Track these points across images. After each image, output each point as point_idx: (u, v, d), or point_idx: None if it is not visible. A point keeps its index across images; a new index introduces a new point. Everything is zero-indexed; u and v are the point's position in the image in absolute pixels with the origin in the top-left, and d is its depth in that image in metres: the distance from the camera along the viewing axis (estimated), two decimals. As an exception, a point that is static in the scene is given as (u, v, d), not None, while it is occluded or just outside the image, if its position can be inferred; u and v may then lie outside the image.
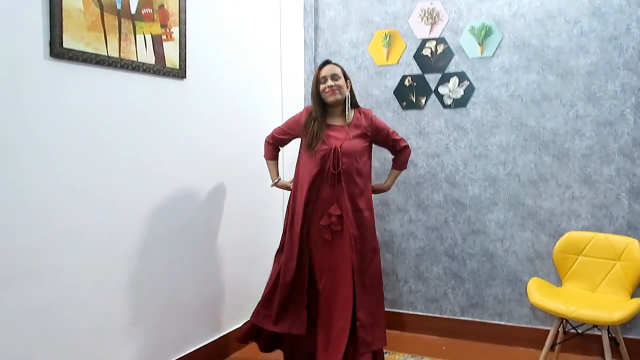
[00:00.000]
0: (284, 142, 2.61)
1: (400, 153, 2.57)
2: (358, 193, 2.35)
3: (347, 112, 2.42)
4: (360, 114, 2.45)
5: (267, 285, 2.49)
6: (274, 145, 2.60)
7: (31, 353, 1.77)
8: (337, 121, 2.42)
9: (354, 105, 2.49)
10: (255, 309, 2.47)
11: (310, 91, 2.46)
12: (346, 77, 2.43)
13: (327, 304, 2.34)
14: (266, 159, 2.63)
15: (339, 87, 2.36)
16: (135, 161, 2.17)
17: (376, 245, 2.42)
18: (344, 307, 2.30)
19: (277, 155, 2.64)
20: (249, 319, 2.51)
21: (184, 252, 2.46)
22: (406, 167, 2.66)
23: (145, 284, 2.24)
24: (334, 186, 2.33)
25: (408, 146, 2.57)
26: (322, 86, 2.37)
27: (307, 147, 2.37)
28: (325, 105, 2.41)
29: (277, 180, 2.61)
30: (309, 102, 3.16)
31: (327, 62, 2.43)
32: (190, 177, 2.49)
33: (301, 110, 2.55)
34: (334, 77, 2.36)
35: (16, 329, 1.72)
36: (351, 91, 2.46)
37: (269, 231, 3.09)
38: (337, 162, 2.31)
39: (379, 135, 2.47)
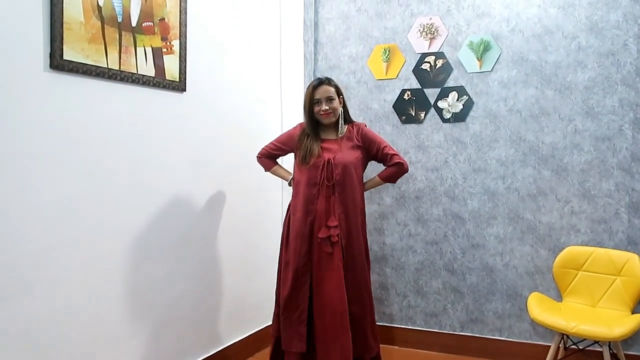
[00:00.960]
0: (276, 157, 2.62)
1: (390, 167, 2.49)
2: (351, 204, 2.39)
3: (340, 127, 2.45)
4: (353, 128, 2.50)
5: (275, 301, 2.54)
6: (267, 157, 2.60)
7: (25, 367, 1.75)
8: (330, 135, 2.46)
9: (347, 120, 2.51)
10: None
11: (303, 107, 2.48)
12: (339, 94, 2.45)
13: (328, 318, 2.32)
14: (268, 170, 2.64)
15: (334, 110, 2.40)
16: (134, 173, 2.17)
17: (366, 254, 2.47)
18: (342, 322, 2.28)
19: (276, 160, 2.64)
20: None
21: (182, 263, 2.45)
22: (393, 182, 2.58)
23: (142, 296, 2.22)
24: (329, 198, 2.35)
25: (403, 163, 2.48)
26: (316, 108, 2.40)
27: (302, 162, 2.40)
28: (318, 122, 2.44)
29: (291, 177, 2.55)
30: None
31: (321, 82, 2.41)
32: (189, 189, 2.49)
33: (296, 125, 2.58)
34: (328, 99, 2.38)
35: (12, 340, 1.70)
36: (344, 106, 2.48)
37: (268, 243, 3.07)
38: (330, 174, 2.34)
39: (372, 148, 2.48)
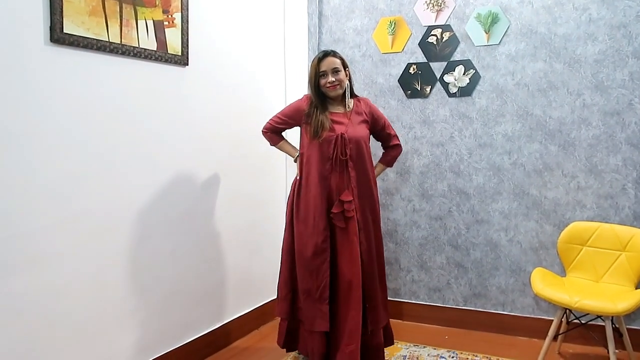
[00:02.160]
0: (282, 131, 2.54)
1: (391, 148, 2.56)
2: (365, 179, 2.38)
3: (347, 100, 2.42)
4: (360, 102, 2.47)
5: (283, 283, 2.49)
6: (273, 132, 2.52)
7: (35, 338, 1.78)
8: (337, 109, 2.42)
9: (353, 94, 2.49)
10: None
11: (309, 81, 2.41)
12: (345, 67, 2.41)
13: (343, 293, 2.31)
14: (274, 145, 2.56)
15: (340, 82, 2.35)
16: (136, 148, 2.16)
17: (380, 228, 2.48)
18: (357, 296, 2.27)
19: (282, 135, 2.55)
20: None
21: (186, 240, 2.46)
22: (392, 166, 2.65)
23: (147, 271, 2.24)
24: (342, 173, 2.33)
25: (400, 145, 2.58)
26: (322, 80, 2.35)
27: (313, 136, 2.33)
28: (324, 95, 2.40)
29: (297, 154, 2.48)
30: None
31: (326, 54, 2.37)
32: (192, 165, 2.48)
33: (301, 97, 2.50)
34: (334, 71, 2.34)
35: (20, 314, 1.73)
36: (350, 80, 2.45)
37: (271, 220, 3.08)
38: (344, 148, 2.31)
39: (377, 125, 2.48)
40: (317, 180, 2.33)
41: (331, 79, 2.33)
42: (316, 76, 2.35)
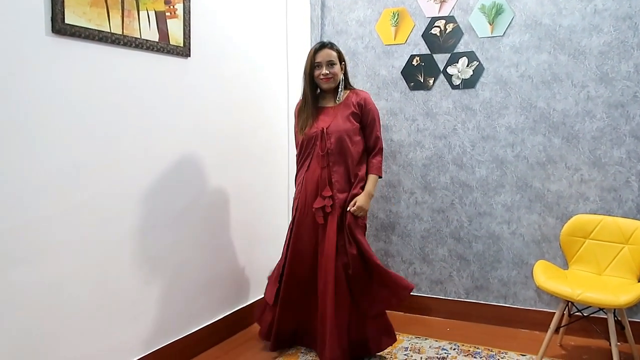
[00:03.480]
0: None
1: (375, 154, 2.46)
2: (346, 174, 2.38)
3: (338, 94, 2.42)
4: (354, 94, 2.45)
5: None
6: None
7: (37, 329, 1.79)
8: (328, 103, 2.44)
9: (348, 86, 2.49)
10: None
11: (303, 71, 2.44)
12: (342, 60, 2.42)
13: (320, 286, 2.38)
14: None
15: (334, 75, 2.37)
16: (138, 139, 2.16)
17: (362, 225, 2.44)
18: (330, 293, 2.31)
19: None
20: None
21: (189, 230, 2.46)
22: (381, 174, 2.50)
23: (149, 262, 2.25)
24: (325, 168, 2.36)
25: (382, 149, 2.49)
26: (316, 72, 2.37)
27: (299, 131, 2.41)
28: (317, 88, 2.43)
29: None
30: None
31: (323, 46, 2.38)
32: (194, 156, 2.48)
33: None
34: (329, 63, 2.35)
35: (22, 305, 1.74)
36: (345, 73, 2.45)
37: (273, 210, 3.08)
38: (324, 143, 2.34)
39: (364, 119, 2.42)
40: (308, 177, 2.40)
41: (325, 71, 2.34)
42: (311, 67, 2.37)
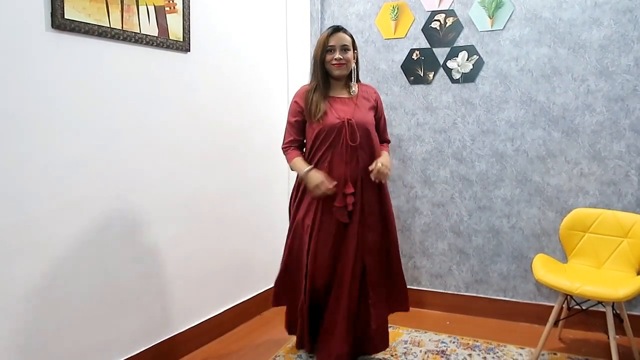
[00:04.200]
0: (301, 135, 2.32)
1: (383, 145, 2.39)
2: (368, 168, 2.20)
3: (353, 83, 2.27)
4: (366, 87, 2.35)
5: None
6: (294, 147, 2.32)
7: (38, 323, 1.80)
8: (340, 92, 2.26)
9: (357, 79, 2.32)
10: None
11: (313, 56, 2.24)
12: (355, 48, 2.26)
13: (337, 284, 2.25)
14: (291, 160, 2.29)
15: (347, 61, 2.19)
16: (137, 134, 2.17)
17: (393, 222, 2.35)
18: (348, 287, 2.21)
19: (300, 149, 2.34)
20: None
21: (188, 225, 2.47)
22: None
23: (149, 256, 2.26)
24: (348, 163, 2.17)
25: (388, 146, 2.44)
26: (328, 56, 2.18)
27: (311, 117, 2.18)
28: (328, 75, 2.23)
29: (308, 168, 2.20)
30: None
31: (337, 29, 2.19)
32: (193, 150, 2.49)
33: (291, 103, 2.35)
34: (343, 48, 2.17)
35: (24, 299, 1.75)
36: (357, 62, 2.31)
37: (274, 204, 3.09)
38: (354, 135, 2.15)
39: (378, 115, 2.36)
40: (331, 173, 2.16)
41: (338, 55, 2.16)
42: (323, 51, 2.17)
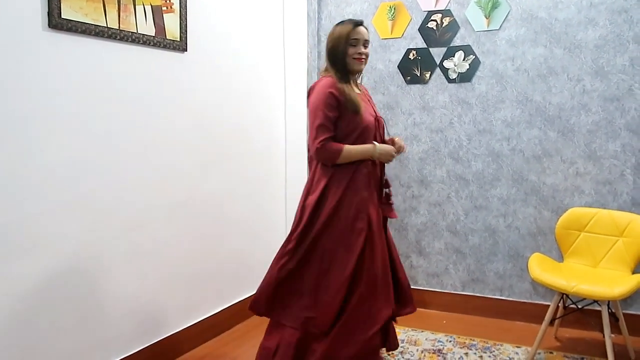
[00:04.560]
0: (334, 130, 2.02)
1: None
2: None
3: (360, 81, 2.20)
4: (362, 86, 2.27)
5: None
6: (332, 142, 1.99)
7: (37, 321, 1.80)
8: (355, 89, 2.10)
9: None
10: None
11: (333, 48, 2.05)
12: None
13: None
14: (342, 152, 1.96)
15: (367, 57, 2.08)
16: (135, 134, 2.17)
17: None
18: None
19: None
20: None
21: (186, 224, 2.48)
22: None
23: (148, 255, 2.26)
24: (378, 163, 2.10)
25: None
26: (351, 50, 2.02)
27: (355, 112, 1.98)
28: (346, 69, 2.06)
29: (373, 144, 2.02)
30: (312, 75, 3.14)
31: (359, 23, 2.05)
32: (191, 150, 2.49)
33: (308, 88, 2.26)
34: (366, 44, 2.06)
35: (23, 297, 1.75)
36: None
37: (271, 205, 3.09)
38: (382, 132, 2.11)
39: None
40: (365, 171, 2.03)
41: (362, 49, 2.03)
42: (346, 43, 2.01)
